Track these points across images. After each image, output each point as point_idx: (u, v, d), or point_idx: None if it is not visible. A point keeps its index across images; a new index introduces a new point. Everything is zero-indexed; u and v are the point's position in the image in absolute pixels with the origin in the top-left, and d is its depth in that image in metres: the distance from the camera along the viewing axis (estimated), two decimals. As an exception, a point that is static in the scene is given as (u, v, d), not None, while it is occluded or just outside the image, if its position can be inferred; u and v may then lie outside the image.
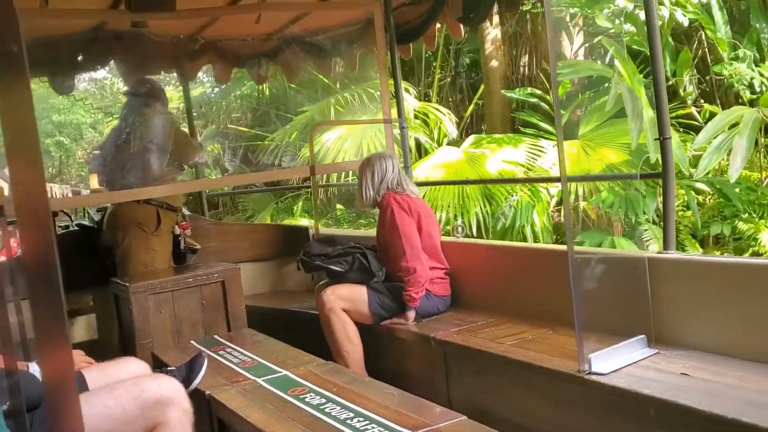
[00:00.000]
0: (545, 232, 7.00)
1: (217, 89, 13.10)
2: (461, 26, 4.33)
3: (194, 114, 13.19)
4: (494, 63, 9.39)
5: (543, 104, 8.46)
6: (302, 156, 9.36)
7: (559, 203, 7.25)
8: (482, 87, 9.95)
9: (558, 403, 2.61)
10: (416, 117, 8.98)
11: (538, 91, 8.64)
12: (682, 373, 2.37)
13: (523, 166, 7.36)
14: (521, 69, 9.95)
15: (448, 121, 8.99)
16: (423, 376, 3.28)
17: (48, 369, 0.78)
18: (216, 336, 3.43)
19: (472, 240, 4.67)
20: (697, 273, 2.69)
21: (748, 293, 2.48)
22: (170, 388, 2.05)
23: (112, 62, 4.79)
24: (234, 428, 2.38)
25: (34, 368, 2.19)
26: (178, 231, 4.11)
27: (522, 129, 8.43)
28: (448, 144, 8.80)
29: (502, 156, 7.45)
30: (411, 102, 9.06)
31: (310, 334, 3.66)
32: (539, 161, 7.33)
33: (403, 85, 9.37)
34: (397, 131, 4.66)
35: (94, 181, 4.44)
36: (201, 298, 3.57)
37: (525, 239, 6.72)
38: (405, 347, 3.44)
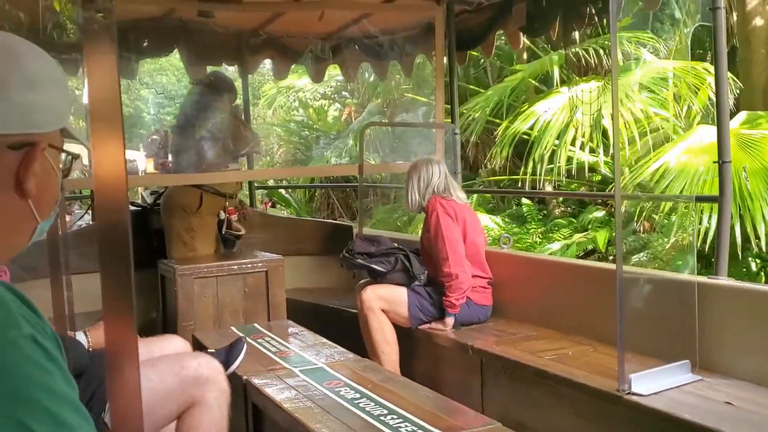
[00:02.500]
0: None
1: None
2: (521, 36, 4.30)
3: (346, 94, 12.86)
4: (758, 21, 7.03)
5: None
6: (507, 134, 7.55)
7: None
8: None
9: (594, 422, 2.57)
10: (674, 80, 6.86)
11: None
12: (726, 402, 2.31)
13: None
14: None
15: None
16: (458, 384, 3.26)
17: (112, 338, 0.80)
18: (256, 324, 3.47)
19: (517, 252, 4.62)
20: (748, 301, 2.62)
21: (801, 326, 2.41)
22: (210, 367, 2.08)
23: (175, 50, 4.87)
24: (268, 414, 2.41)
25: (81, 338, 2.25)
26: (222, 216, 4.19)
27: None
28: (700, 122, 6.66)
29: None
30: (657, 62, 7.28)
31: (347, 332, 3.67)
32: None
33: (647, 42, 7.51)
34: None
35: (149, 165, 4.54)
36: (244, 286, 3.62)
37: None
38: (442, 353, 3.42)
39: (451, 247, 3.44)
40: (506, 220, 8.53)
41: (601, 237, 7.09)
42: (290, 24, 4.90)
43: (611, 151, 6.94)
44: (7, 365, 0.60)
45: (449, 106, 4.65)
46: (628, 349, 2.45)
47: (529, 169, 7.39)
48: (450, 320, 3.43)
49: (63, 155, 0.96)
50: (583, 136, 6.91)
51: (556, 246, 7.47)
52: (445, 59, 4.60)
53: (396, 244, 3.78)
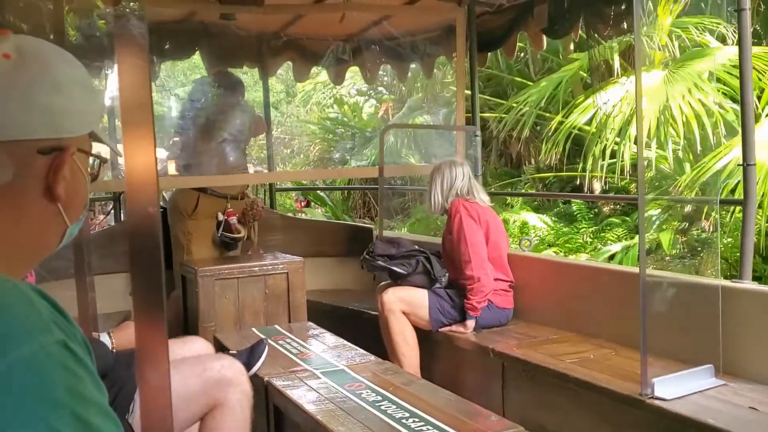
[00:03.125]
0: None
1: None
2: (544, 38, 4.28)
3: (382, 90, 12.55)
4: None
5: None
6: (563, 128, 7.10)
7: None
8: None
9: (616, 426, 2.55)
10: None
11: None
12: (750, 407, 2.28)
13: None
14: None
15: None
16: (478, 387, 3.26)
17: (142, 337, 0.81)
18: (276, 326, 3.48)
19: (539, 254, 4.59)
20: (774, 306, 2.58)
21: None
22: (233, 369, 2.09)
23: (197, 52, 4.90)
24: (289, 416, 2.42)
25: (105, 339, 2.28)
26: (221, 218, 4.16)
27: None
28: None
29: None
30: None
31: (367, 334, 3.67)
32: None
33: (714, 27, 6.80)
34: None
35: (171, 167, 4.57)
36: (265, 288, 3.64)
37: None
38: (462, 356, 3.41)
39: (473, 249, 3.43)
40: (554, 219, 8.24)
41: (665, 238, 6.52)
42: (311, 26, 4.92)
43: (669, 145, 6.51)
44: (38, 370, 0.61)
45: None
46: (651, 353, 2.43)
47: (588, 166, 6.92)
48: (471, 323, 3.42)
49: (91, 159, 0.97)
50: (649, 133, 6.29)
51: (615, 248, 7.02)
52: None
53: (417, 247, 3.78)
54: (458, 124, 4.69)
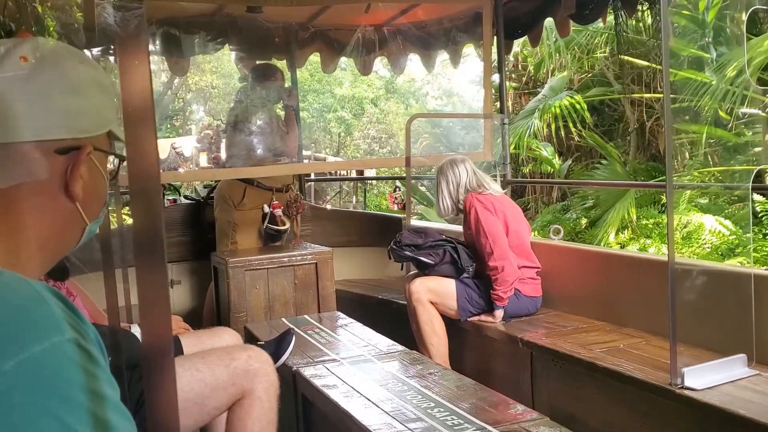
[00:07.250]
0: None
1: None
2: (570, 23, 4.23)
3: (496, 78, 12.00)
4: None
5: None
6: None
7: None
8: None
9: (645, 416, 2.53)
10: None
11: None
12: (783, 398, 2.24)
13: None
14: None
15: None
16: (507, 376, 3.25)
17: (148, 331, 0.82)
18: (306, 316, 3.52)
19: (567, 243, 4.54)
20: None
21: None
22: (260, 360, 2.12)
23: (226, 46, 4.94)
24: (317, 405, 2.44)
25: (136, 330, 2.32)
26: (267, 210, 4.22)
27: None
28: None
29: None
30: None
31: (395, 324, 3.69)
32: None
33: None
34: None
35: (202, 158, 4.62)
36: (294, 278, 3.68)
37: None
38: (491, 345, 3.41)
39: (493, 241, 3.42)
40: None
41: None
42: (337, 17, 4.92)
43: None
44: (51, 368, 0.62)
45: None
46: (682, 343, 2.40)
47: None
48: (499, 313, 3.41)
49: (111, 157, 0.98)
50: None
51: None
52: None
53: (444, 236, 3.77)
54: (485, 112, 4.65)
